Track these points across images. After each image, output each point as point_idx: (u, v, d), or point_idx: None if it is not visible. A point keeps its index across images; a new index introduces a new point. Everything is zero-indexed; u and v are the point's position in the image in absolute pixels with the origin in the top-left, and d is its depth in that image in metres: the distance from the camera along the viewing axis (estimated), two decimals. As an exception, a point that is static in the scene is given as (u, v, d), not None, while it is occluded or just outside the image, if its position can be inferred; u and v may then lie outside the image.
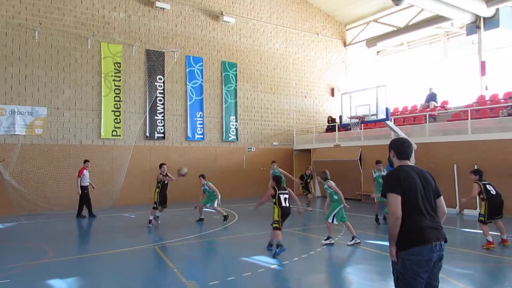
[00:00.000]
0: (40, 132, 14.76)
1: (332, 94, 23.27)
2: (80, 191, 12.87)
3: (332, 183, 8.67)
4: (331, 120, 21.19)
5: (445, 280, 5.84)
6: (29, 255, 8.02)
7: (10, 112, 14.23)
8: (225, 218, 11.56)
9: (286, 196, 8.02)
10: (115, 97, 16.47)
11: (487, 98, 16.73)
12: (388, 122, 13.23)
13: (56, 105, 15.20)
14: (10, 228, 11.40)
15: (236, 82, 19.84)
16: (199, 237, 9.41)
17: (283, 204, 7.86)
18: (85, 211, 13.11)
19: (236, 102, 19.79)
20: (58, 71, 15.33)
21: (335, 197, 8.62)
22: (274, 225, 7.81)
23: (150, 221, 11.03)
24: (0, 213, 13.15)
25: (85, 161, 13.33)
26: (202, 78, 18.85)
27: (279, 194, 7.91)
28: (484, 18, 16.94)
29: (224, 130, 19.32)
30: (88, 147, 15.56)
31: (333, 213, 8.55)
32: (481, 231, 8.19)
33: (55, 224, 12.17)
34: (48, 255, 7.95)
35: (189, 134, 18.25)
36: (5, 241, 9.58)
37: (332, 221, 8.55)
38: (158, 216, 11.34)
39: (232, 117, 19.63)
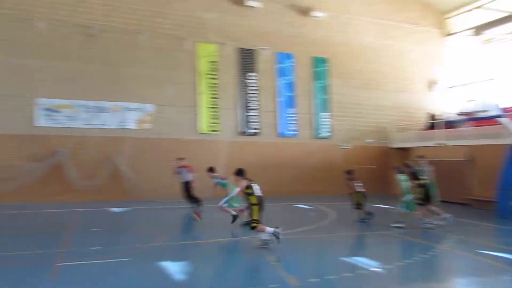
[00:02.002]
0: (148, 126, 16.18)
1: (432, 89, 21.63)
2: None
3: None
4: (432, 116, 19.70)
5: None
6: (143, 238, 8.81)
7: (123, 109, 15.83)
8: (234, 218, 10.23)
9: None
10: (211, 94, 17.32)
11: None
12: (502, 119, 11.91)
13: (161, 102, 16.47)
14: (126, 213, 12.74)
15: (327, 78, 19.52)
16: (296, 233, 9.46)
17: None
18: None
19: (327, 98, 19.48)
20: (161, 71, 16.56)
21: None
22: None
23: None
24: (118, 199, 14.70)
25: (180, 159, 13.37)
26: (293, 74, 18.90)
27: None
28: None
29: (316, 127, 19.16)
30: (188, 141, 16.60)
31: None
32: None
33: (163, 212, 13.24)
34: (159, 239, 8.66)
35: (281, 131, 18.47)
36: (124, 224, 10.71)
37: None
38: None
39: (324, 114, 19.38)
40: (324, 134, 19.27)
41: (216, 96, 17.42)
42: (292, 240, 8.83)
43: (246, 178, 8.06)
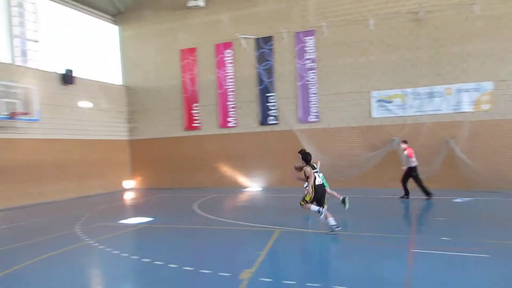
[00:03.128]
0: (487, 107, 14.31)
1: None
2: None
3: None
4: None
5: None
6: (499, 233, 7.72)
7: (456, 91, 14.67)
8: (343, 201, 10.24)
9: None
10: None
11: None
12: None
13: (502, 78, 14.14)
14: (468, 203, 11.71)
15: None
16: None
17: None
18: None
19: None
20: (500, 41, 14.17)
21: None
22: None
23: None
24: (454, 188, 13.95)
25: (404, 142, 12.95)
26: None
27: None
28: None
29: None
30: (542, 121, 13.50)
31: None
32: None
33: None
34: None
35: None
36: (469, 216, 9.86)
37: None
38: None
39: None
40: None
41: None
42: None
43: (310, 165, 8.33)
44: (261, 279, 5.57)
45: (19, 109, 14.25)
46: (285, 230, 8.69)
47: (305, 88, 17.20)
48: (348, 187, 14.88)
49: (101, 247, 7.83)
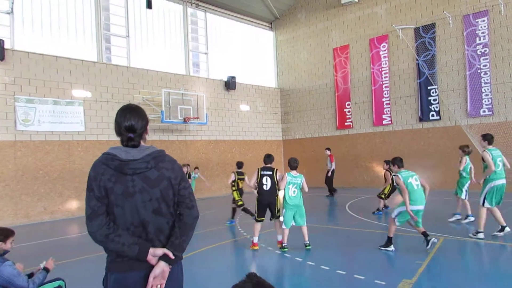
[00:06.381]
0: None
1: None
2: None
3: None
4: None
5: None
6: None
7: None
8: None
9: None
10: None
11: None
12: None
13: None
14: None
15: None
16: None
17: None
18: None
19: None
20: None
21: None
22: None
23: None
24: None
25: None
26: None
27: None
28: None
29: None
30: None
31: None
32: None
33: None
34: None
35: None
36: None
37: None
38: None
39: None
40: None
41: None
42: None
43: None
44: (423, 293, 4.99)
45: (192, 114, 16.34)
46: (452, 239, 7.65)
47: (475, 77, 14.94)
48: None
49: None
